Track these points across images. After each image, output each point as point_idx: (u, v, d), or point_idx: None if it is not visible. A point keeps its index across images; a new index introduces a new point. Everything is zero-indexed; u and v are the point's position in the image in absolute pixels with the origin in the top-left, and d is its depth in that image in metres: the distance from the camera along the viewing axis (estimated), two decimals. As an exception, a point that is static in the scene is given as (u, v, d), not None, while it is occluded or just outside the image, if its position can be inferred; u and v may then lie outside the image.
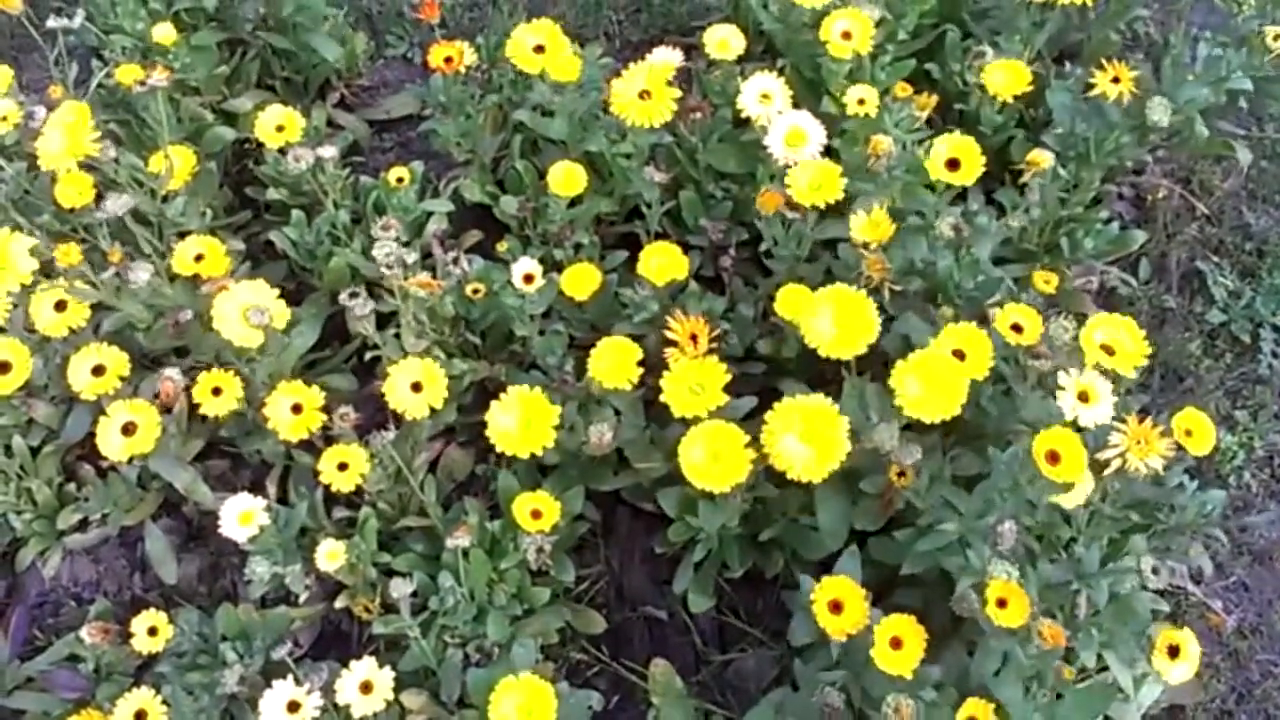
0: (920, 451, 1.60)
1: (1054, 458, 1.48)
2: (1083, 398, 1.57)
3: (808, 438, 1.60)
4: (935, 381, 1.60)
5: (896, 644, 1.50)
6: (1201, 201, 2.42)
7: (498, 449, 1.74)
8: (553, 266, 2.01)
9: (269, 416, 1.79)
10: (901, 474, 1.66)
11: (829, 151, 1.94)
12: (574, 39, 2.09)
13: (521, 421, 1.75)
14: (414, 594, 1.68)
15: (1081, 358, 1.62)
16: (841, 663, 1.60)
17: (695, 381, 1.69)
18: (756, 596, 1.97)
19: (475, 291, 1.96)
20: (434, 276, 1.90)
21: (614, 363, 1.77)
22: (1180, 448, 1.59)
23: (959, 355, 1.66)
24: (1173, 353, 2.25)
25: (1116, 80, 1.94)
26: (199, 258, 1.92)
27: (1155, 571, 1.54)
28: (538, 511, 1.74)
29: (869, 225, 1.83)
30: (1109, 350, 1.63)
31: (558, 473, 1.94)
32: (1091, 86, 1.95)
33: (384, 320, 1.93)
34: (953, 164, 1.86)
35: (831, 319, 1.67)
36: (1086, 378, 1.58)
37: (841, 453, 1.60)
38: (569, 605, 1.92)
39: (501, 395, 1.77)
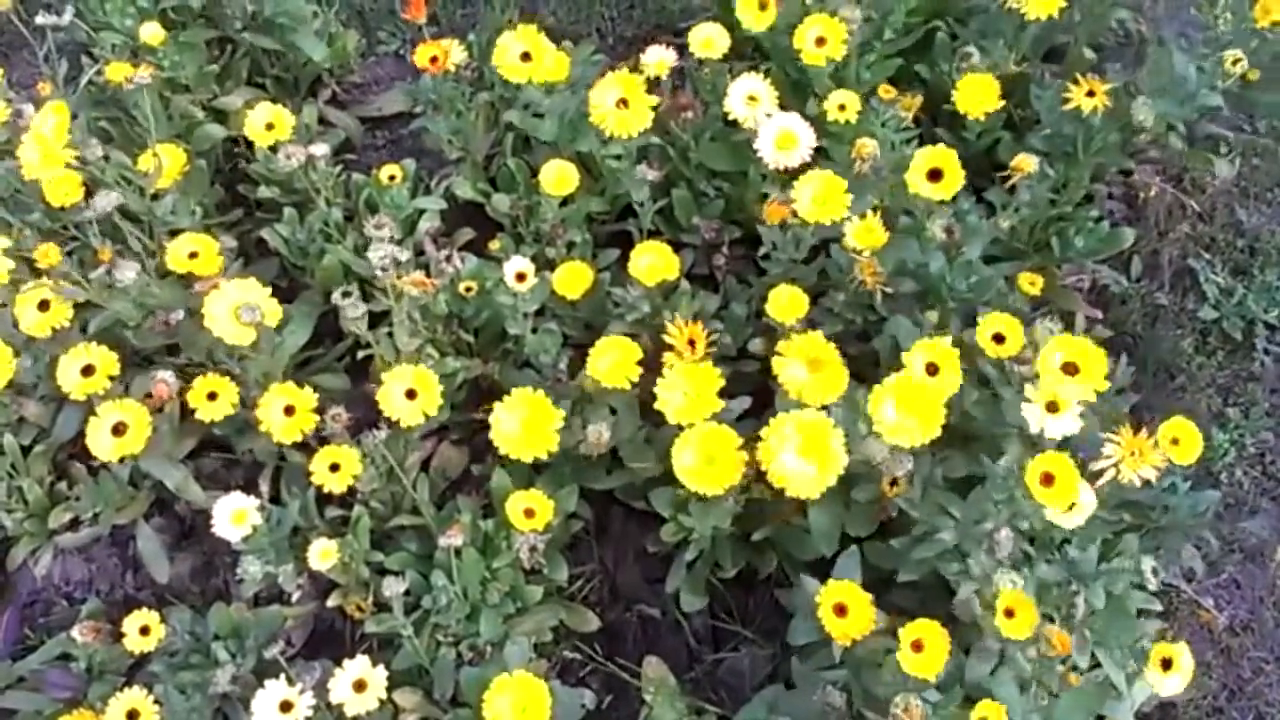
0: (912, 462, 1.60)
1: (1048, 479, 1.48)
2: (1050, 407, 1.55)
3: (805, 452, 1.57)
4: (912, 406, 1.57)
5: (918, 647, 1.48)
6: (1193, 199, 2.42)
7: (501, 452, 1.73)
8: (545, 265, 2.01)
9: (262, 419, 1.78)
10: (894, 483, 1.66)
11: (819, 152, 1.93)
12: (566, 36, 2.08)
13: (525, 424, 1.74)
14: (407, 593, 1.68)
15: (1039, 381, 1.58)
16: (843, 662, 1.60)
17: (689, 388, 1.67)
18: (749, 596, 1.97)
19: (468, 290, 1.95)
20: (427, 275, 1.89)
21: (614, 362, 1.76)
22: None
23: (931, 369, 1.63)
24: (1165, 350, 2.25)
25: (1091, 94, 1.94)
26: (193, 255, 1.91)
27: (1155, 573, 1.54)
28: (531, 510, 1.74)
29: (862, 232, 1.82)
30: (1071, 369, 1.60)
31: (551, 471, 1.93)
32: (1068, 100, 1.95)
33: (377, 318, 1.92)
34: (934, 174, 1.83)
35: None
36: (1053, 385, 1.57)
37: (838, 468, 1.57)
38: (562, 604, 1.92)
39: (505, 397, 1.75)
